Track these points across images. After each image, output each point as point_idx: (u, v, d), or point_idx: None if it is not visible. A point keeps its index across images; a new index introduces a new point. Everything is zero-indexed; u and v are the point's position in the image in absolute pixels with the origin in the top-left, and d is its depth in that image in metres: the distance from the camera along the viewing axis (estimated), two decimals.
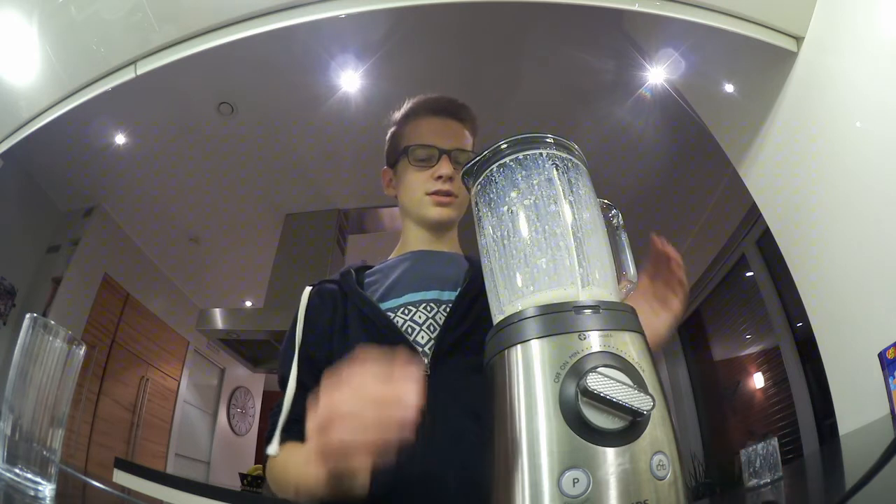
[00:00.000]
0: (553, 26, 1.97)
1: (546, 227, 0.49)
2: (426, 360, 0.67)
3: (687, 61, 1.75)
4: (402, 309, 0.73)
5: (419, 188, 0.78)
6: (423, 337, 0.70)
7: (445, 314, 0.71)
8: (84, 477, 1.23)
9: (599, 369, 0.40)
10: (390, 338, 0.69)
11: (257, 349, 3.27)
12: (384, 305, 0.73)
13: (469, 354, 0.67)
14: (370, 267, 0.85)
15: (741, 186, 1.69)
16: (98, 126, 2.44)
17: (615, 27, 1.91)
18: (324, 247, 3.01)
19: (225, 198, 3.05)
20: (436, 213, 0.78)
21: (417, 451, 0.61)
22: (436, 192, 0.77)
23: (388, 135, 0.88)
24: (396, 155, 0.83)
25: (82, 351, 0.58)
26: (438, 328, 0.70)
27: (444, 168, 0.77)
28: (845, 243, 1.26)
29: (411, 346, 0.68)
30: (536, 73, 2.26)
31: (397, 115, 0.88)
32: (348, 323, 0.72)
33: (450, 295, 0.74)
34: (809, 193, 1.37)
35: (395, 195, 0.85)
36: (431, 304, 0.73)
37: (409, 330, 0.70)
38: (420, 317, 0.71)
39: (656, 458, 0.40)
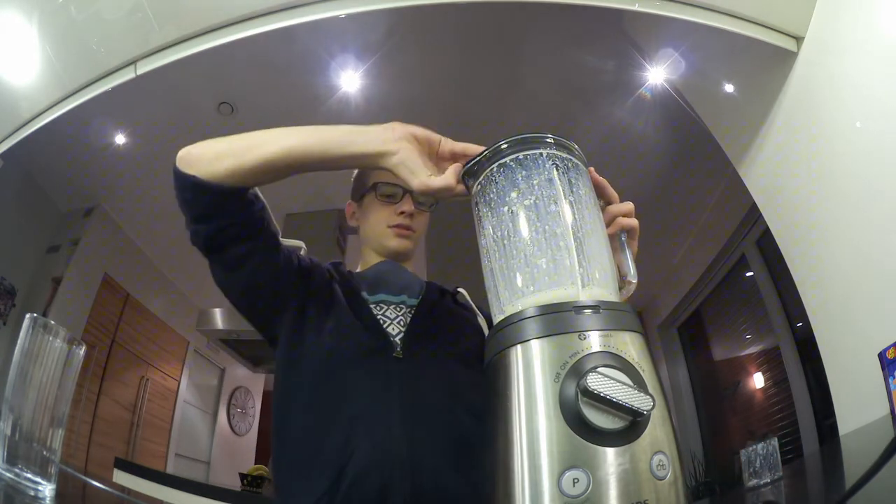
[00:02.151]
0: (553, 26, 1.97)
1: (546, 227, 0.49)
2: (398, 348, 0.75)
3: (687, 61, 1.75)
4: (374, 305, 0.81)
5: (383, 221, 0.86)
6: (394, 329, 0.78)
7: (411, 314, 0.81)
8: (84, 477, 1.23)
9: (599, 369, 0.40)
10: (369, 323, 0.77)
11: (257, 349, 3.27)
12: None
13: (433, 346, 0.77)
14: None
15: (741, 186, 1.69)
16: (98, 126, 2.44)
17: (615, 27, 1.91)
18: (324, 247, 3.00)
19: None
20: (396, 243, 0.86)
21: (398, 429, 0.68)
22: (397, 226, 0.85)
23: (356, 173, 0.95)
24: (363, 190, 0.89)
25: (82, 351, 0.58)
26: (406, 325, 0.79)
27: (407, 205, 0.85)
28: (845, 243, 1.26)
29: (385, 334, 0.76)
30: (536, 73, 2.26)
31: None
32: (335, 300, 0.79)
33: (414, 301, 0.84)
34: (809, 193, 1.37)
35: (357, 226, 0.93)
36: (401, 305, 0.82)
37: (383, 321, 0.79)
38: (391, 313, 0.80)
39: (656, 458, 0.40)
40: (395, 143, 0.61)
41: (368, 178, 0.89)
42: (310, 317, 0.76)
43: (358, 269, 0.92)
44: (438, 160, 0.63)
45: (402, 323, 0.79)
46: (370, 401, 0.70)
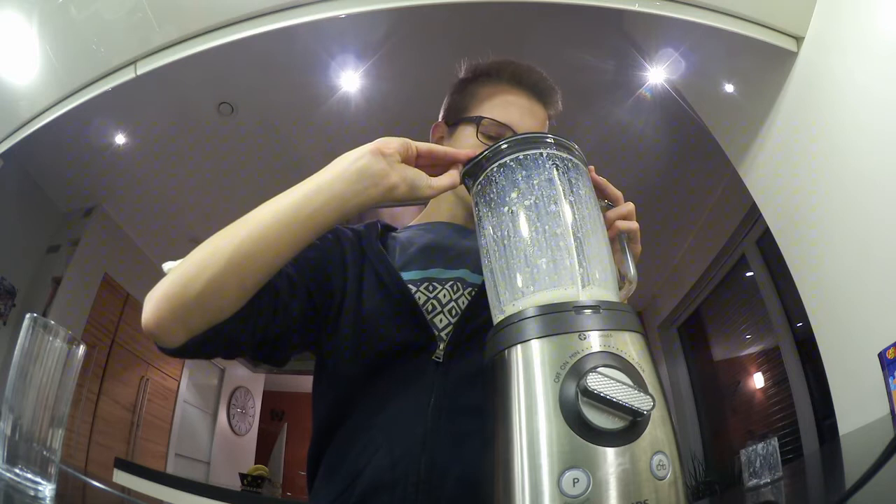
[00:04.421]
0: (553, 26, 1.97)
1: (546, 227, 0.49)
2: (441, 345, 0.63)
3: (687, 61, 1.75)
4: (425, 284, 0.67)
5: None
6: (441, 320, 0.65)
7: (469, 298, 0.67)
8: (84, 477, 1.23)
9: (599, 369, 0.40)
10: (408, 314, 0.64)
11: None
12: (405, 276, 0.68)
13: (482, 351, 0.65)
14: (393, 228, 0.79)
15: (741, 186, 1.69)
16: (98, 126, 2.44)
17: (615, 27, 1.91)
18: None
19: (225, 198, 3.05)
20: None
21: (418, 449, 0.59)
22: None
23: (458, 85, 0.78)
24: (461, 118, 0.74)
25: (82, 351, 0.57)
26: (460, 312, 0.65)
27: None
28: (845, 243, 1.26)
29: (425, 327, 0.64)
30: None
31: (474, 64, 0.78)
32: (364, 287, 0.67)
33: (476, 278, 0.69)
34: (809, 193, 1.37)
35: None
36: (457, 284, 0.68)
37: (430, 308, 0.65)
38: (444, 296, 0.66)
39: (656, 458, 0.40)
40: (393, 173, 0.54)
41: (470, 102, 0.75)
42: (345, 310, 0.66)
43: (415, 221, 0.80)
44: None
45: (453, 311, 0.65)
46: (396, 410, 0.62)
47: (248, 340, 0.58)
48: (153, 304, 0.53)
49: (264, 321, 0.58)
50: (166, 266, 0.59)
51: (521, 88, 0.74)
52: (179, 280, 0.53)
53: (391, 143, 0.56)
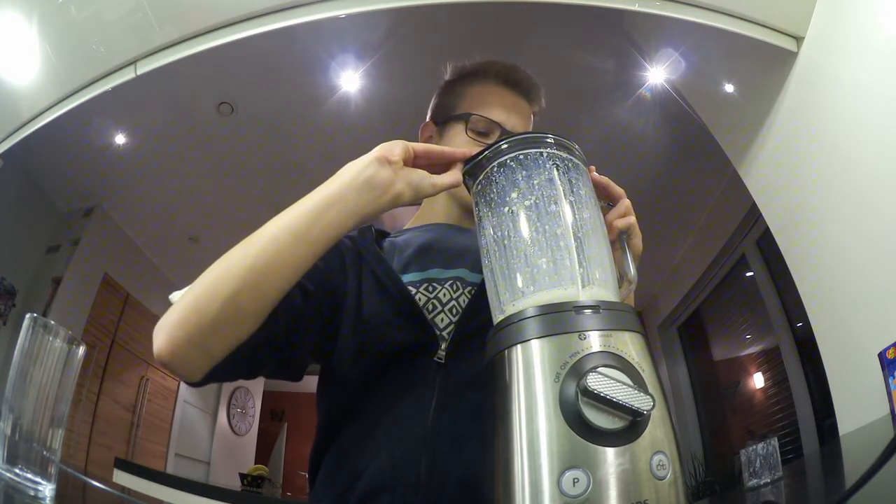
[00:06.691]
0: (553, 26, 1.97)
1: (546, 227, 0.49)
2: (443, 345, 0.63)
3: (687, 61, 1.75)
4: (424, 284, 0.67)
5: None
6: (442, 319, 0.65)
7: (470, 297, 0.67)
8: (84, 477, 1.23)
9: (599, 369, 0.40)
10: (408, 314, 0.64)
11: None
12: (405, 278, 0.68)
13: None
14: (385, 234, 0.80)
15: (741, 186, 1.69)
16: (98, 126, 2.44)
17: (615, 27, 1.91)
18: None
19: (225, 198, 3.05)
20: None
21: (418, 450, 0.59)
22: None
23: (444, 86, 0.81)
24: (448, 116, 0.76)
25: (82, 351, 0.58)
26: (461, 311, 0.65)
27: None
28: (845, 243, 1.26)
29: (426, 327, 0.64)
30: (536, 73, 2.26)
31: (460, 66, 0.80)
32: (363, 289, 0.67)
33: (475, 277, 0.69)
34: (809, 193, 1.37)
35: None
36: (457, 283, 0.68)
37: (431, 308, 0.65)
38: (444, 295, 0.67)
39: (656, 458, 0.40)
40: (398, 180, 0.55)
41: (458, 102, 0.76)
42: (345, 311, 0.66)
43: (409, 224, 0.80)
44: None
45: (454, 310, 0.65)
46: (397, 411, 0.62)
47: (271, 356, 0.58)
48: (167, 332, 0.51)
49: (284, 333, 0.57)
50: (173, 296, 0.58)
51: (506, 86, 0.76)
52: (193, 304, 0.51)
53: (395, 149, 0.56)
